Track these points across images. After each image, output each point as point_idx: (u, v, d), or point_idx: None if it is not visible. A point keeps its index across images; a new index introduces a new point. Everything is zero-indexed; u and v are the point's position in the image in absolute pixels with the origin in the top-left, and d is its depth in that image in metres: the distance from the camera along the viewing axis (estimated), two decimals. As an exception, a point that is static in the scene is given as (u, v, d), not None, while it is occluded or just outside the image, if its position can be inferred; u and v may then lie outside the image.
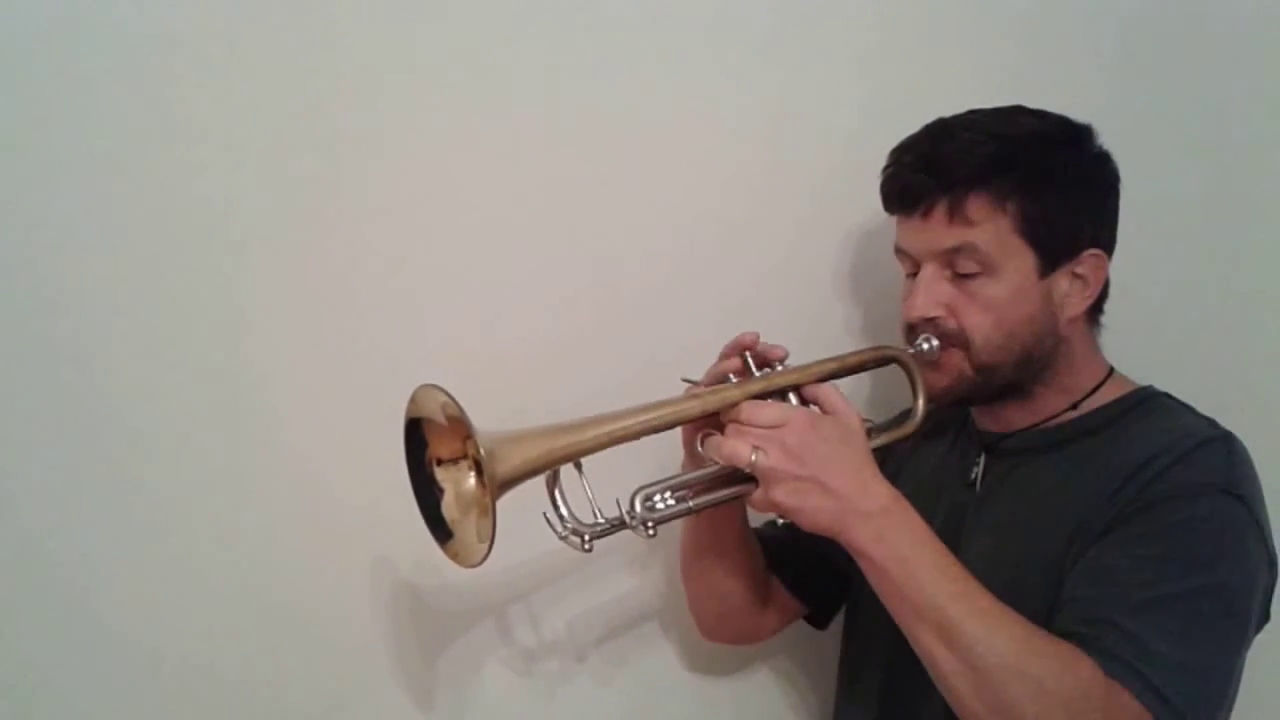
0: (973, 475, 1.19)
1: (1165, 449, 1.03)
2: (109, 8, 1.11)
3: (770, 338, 1.10)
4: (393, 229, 1.23)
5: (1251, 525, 1.01)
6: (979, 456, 1.19)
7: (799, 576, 1.30)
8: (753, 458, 0.97)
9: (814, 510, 0.97)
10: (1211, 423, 1.08)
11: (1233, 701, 1.05)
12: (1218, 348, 1.46)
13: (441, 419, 0.96)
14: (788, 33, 1.38)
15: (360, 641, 1.25)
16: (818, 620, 1.35)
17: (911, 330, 1.15)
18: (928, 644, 0.95)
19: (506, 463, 0.93)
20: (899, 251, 1.18)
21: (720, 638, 1.34)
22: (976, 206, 1.09)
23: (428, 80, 1.23)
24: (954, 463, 1.23)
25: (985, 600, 0.95)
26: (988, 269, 1.10)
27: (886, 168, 1.17)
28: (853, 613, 1.31)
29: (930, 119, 1.16)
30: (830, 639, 1.34)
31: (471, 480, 0.96)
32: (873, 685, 1.22)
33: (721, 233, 1.37)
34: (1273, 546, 1.04)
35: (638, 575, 1.37)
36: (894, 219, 1.18)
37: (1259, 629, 1.05)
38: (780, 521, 1.02)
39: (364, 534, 1.23)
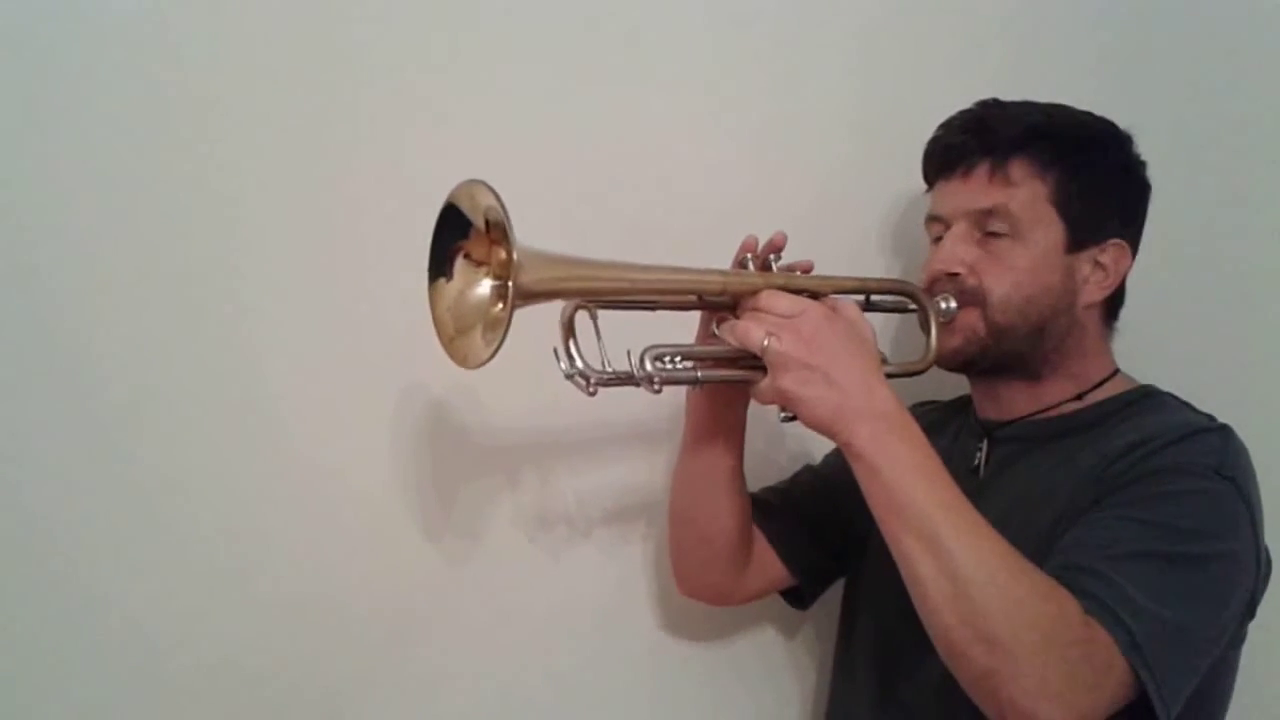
0: (976, 462, 1.19)
1: (1160, 433, 1.04)
2: (111, 5, 1.11)
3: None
4: (398, 222, 1.21)
5: (1242, 510, 1.01)
6: (981, 443, 1.20)
7: (785, 536, 1.28)
8: (765, 342, 0.98)
9: (817, 401, 0.97)
10: (1210, 418, 1.09)
11: (1226, 700, 1.05)
12: (1218, 349, 1.48)
13: (480, 222, 0.95)
14: (788, 31, 1.41)
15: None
16: (799, 596, 1.33)
17: (931, 289, 1.16)
18: (910, 550, 0.93)
19: (533, 274, 0.93)
20: (930, 219, 1.20)
21: (698, 591, 1.30)
22: (1019, 167, 1.13)
23: (432, 76, 1.24)
24: (957, 453, 1.23)
25: (974, 517, 0.94)
26: (1016, 233, 1.12)
27: (933, 136, 1.20)
28: (853, 582, 1.30)
29: (930, 117, 1.20)
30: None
31: (489, 286, 0.96)
32: (868, 650, 1.22)
33: (724, 229, 1.37)
34: (1263, 541, 1.04)
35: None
36: (927, 195, 1.22)
37: (1242, 623, 1.04)
38: (782, 415, 1.01)
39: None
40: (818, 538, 1.27)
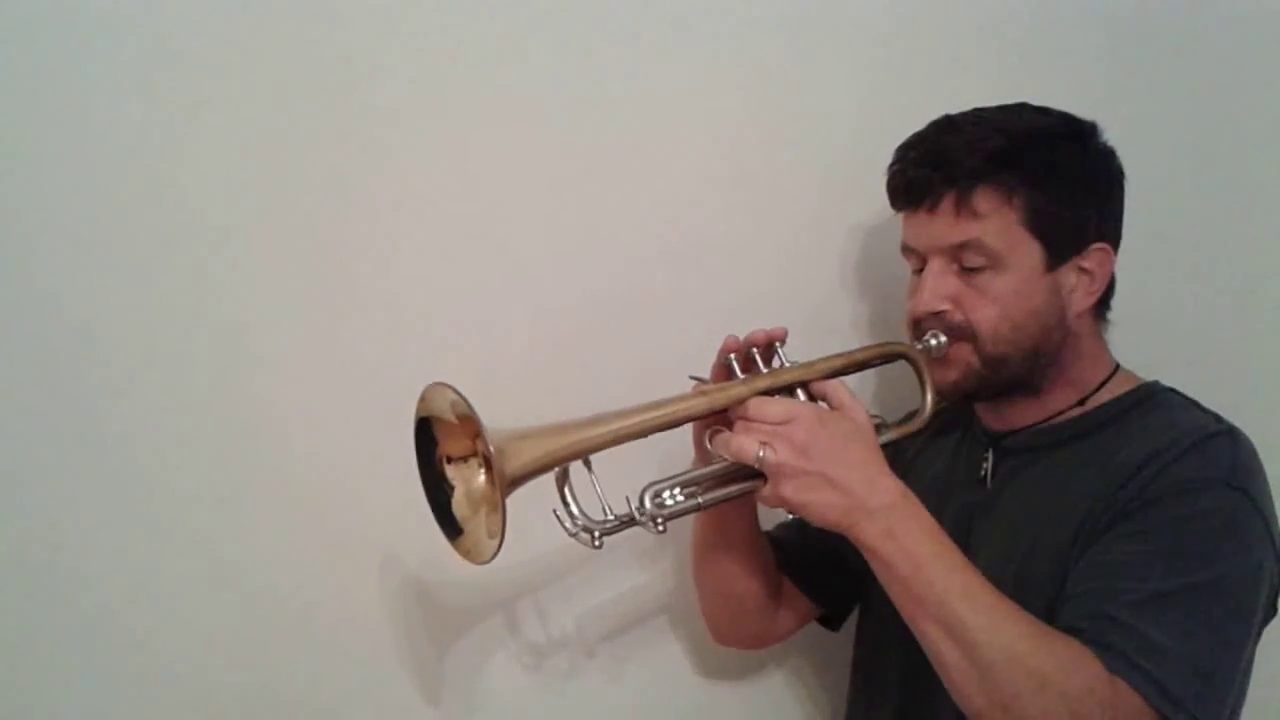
0: (982, 472, 1.19)
1: (1169, 444, 1.03)
2: (109, 7, 1.10)
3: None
4: (396, 230, 1.22)
5: (1256, 518, 1.01)
6: (986, 453, 1.19)
7: (810, 575, 1.30)
8: (760, 454, 0.98)
9: (822, 505, 0.98)
10: (1216, 418, 1.08)
11: (1242, 696, 1.05)
12: (1219, 344, 1.46)
13: (451, 417, 0.96)
14: (791, 30, 1.38)
15: (369, 637, 1.25)
16: (830, 621, 1.36)
17: (917, 326, 1.15)
18: (933, 639, 0.95)
19: (516, 460, 0.93)
20: (906, 249, 1.18)
21: (734, 642, 1.34)
22: (983, 199, 1.09)
23: (428, 83, 1.22)
24: (962, 461, 1.23)
25: (991, 596, 0.95)
26: (994, 262, 1.10)
27: (892, 164, 1.17)
28: (865, 612, 1.31)
29: (933, 116, 1.16)
30: (841, 639, 1.35)
31: (481, 478, 0.97)
32: (888, 684, 1.22)
33: (726, 232, 1.37)
34: (1279, 541, 1.04)
35: (647, 571, 1.38)
36: (900, 216, 1.19)
37: (1265, 623, 1.05)
38: (790, 517, 1.03)
39: (371, 533, 1.23)
40: (836, 564, 1.27)
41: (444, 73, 1.23)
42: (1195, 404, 1.12)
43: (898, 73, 1.42)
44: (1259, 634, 1.05)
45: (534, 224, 1.28)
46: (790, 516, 1.30)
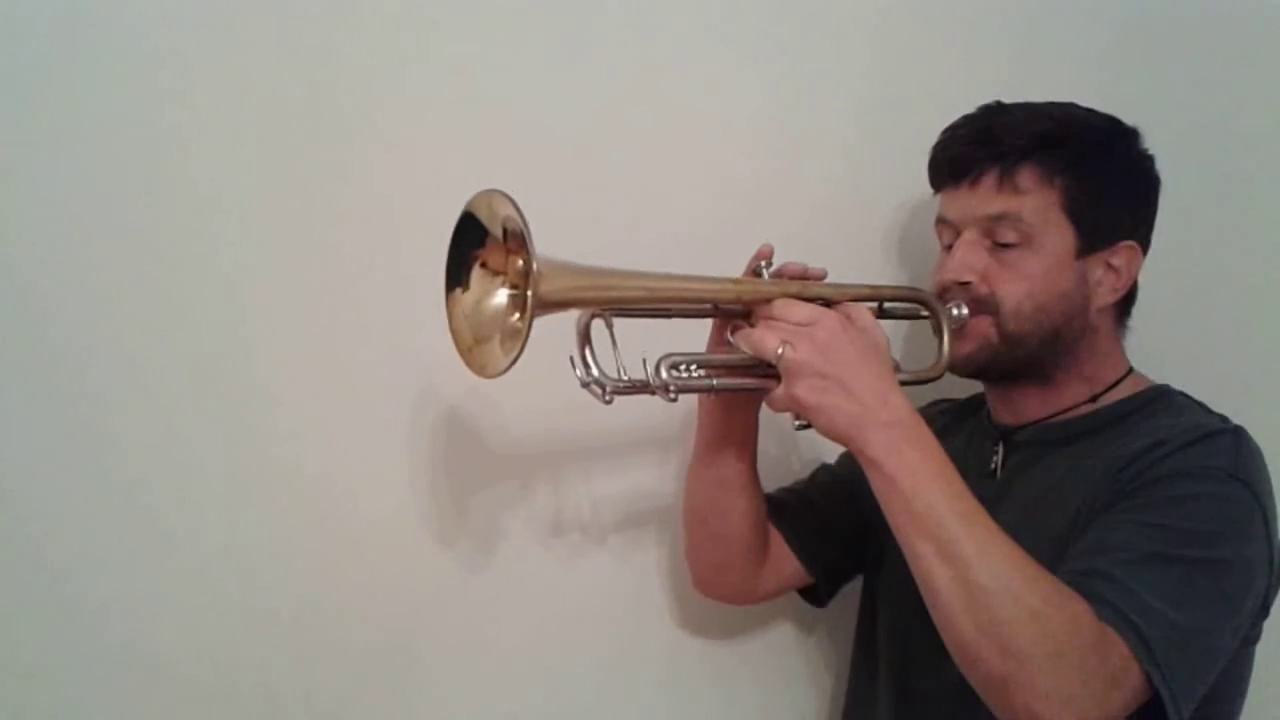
0: (992, 465, 1.20)
1: (1173, 435, 1.05)
2: (108, 3, 1.10)
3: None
4: (395, 225, 1.22)
5: (1256, 512, 1.01)
6: (997, 447, 1.20)
7: (802, 535, 1.28)
8: (780, 350, 0.98)
9: (833, 410, 0.97)
10: (1223, 418, 1.10)
11: (1242, 697, 1.06)
12: (1225, 347, 1.48)
13: (496, 231, 0.95)
14: (794, 27, 1.40)
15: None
16: (816, 594, 1.34)
17: (942, 296, 1.16)
18: (925, 558, 0.94)
19: (552, 283, 0.93)
20: (940, 222, 1.20)
21: (714, 591, 1.31)
22: (1027, 176, 1.12)
23: (431, 76, 1.23)
24: (972, 455, 1.23)
25: (989, 526, 0.95)
26: (1027, 240, 1.12)
27: (938, 143, 1.20)
28: (871, 589, 1.30)
29: (937, 121, 1.20)
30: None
31: (506, 296, 0.96)
32: (887, 652, 1.22)
33: (727, 233, 1.34)
34: (1277, 541, 1.04)
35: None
36: (937, 198, 1.22)
37: (1256, 622, 1.05)
38: (795, 424, 1.02)
39: (371, 532, 1.23)
40: (835, 536, 1.28)
41: (448, 67, 1.24)
42: (1204, 407, 1.14)
43: (905, 76, 1.44)
44: (1255, 633, 1.06)
45: (540, 218, 1.28)
46: (794, 483, 1.34)
